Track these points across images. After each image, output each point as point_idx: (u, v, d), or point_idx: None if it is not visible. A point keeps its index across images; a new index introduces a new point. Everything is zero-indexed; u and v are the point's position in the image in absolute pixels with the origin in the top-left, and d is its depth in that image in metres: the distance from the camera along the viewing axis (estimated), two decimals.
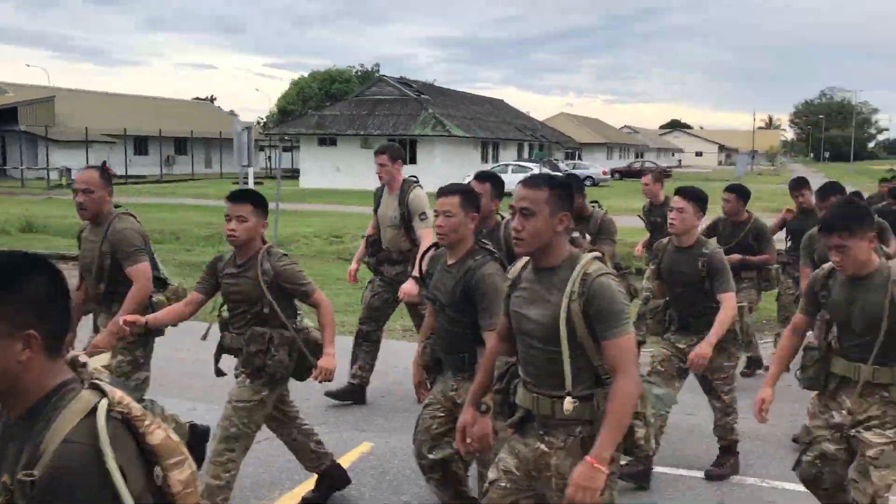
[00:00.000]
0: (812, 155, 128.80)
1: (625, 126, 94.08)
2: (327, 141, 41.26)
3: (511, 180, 37.52)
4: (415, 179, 6.26)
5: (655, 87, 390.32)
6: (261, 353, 4.00)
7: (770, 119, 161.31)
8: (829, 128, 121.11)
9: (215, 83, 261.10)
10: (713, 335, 4.54)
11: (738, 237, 6.93)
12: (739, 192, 7.06)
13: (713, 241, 4.77)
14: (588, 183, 44.82)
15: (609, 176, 48.21)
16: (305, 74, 74.77)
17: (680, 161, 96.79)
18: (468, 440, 3.14)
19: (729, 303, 4.59)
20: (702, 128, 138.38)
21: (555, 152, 52.52)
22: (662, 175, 7.95)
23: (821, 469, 3.56)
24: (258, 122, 75.66)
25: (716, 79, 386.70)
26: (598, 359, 2.71)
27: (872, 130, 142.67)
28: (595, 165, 49.49)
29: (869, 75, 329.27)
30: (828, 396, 3.59)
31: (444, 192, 3.66)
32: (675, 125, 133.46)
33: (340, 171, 40.00)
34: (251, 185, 12.11)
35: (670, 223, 4.75)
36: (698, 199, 4.74)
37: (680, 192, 4.78)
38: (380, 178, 6.29)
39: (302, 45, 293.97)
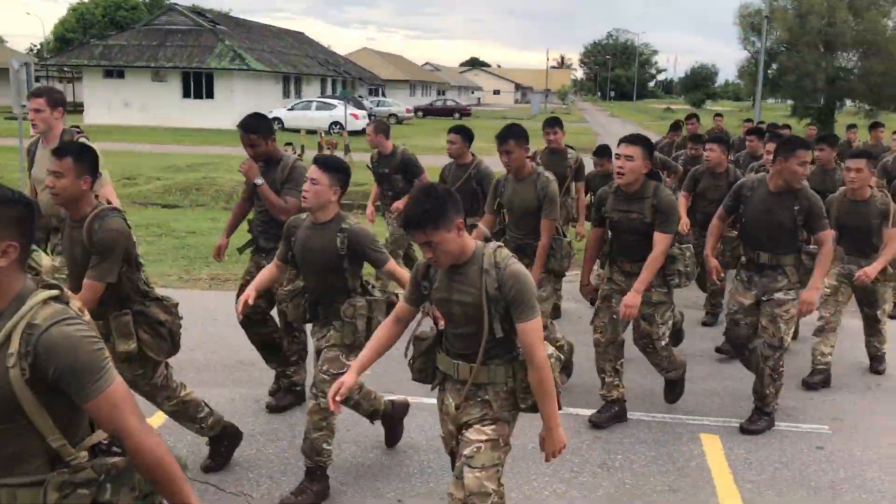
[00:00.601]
0: (599, 94, 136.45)
1: (426, 63, 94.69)
2: (114, 73, 38.38)
3: (315, 117, 36.79)
4: (78, 129, 5.21)
5: (455, 24, 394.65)
6: None
7: (562, 59, 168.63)
8: (615, 68, 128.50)
9: None
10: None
11: (461, 180, 6.67)
12: (464, 134, 6.77)
13: (352, 219, 4.11)
14: (392, 121, 44.99)
15: (413, 114, 48.60)
16: None
17: (479, 99, 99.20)
18: None
19: (398, 269, 4.10)
20: (499, 66, 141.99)
21: (358, 88, 52.07)
22: (384, 124, 7.64)
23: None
24: (31, 51, 68.86)
25: (513, 17, 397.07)
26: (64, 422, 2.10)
27: (653, 71, 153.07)
28: (398, 103, 49.65)
29: (650, 19, 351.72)
30: (441, 393, 3.31)
31: None
32: (474, 63, 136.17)
33: (130, 107, 37.51)
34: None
35: (303, 196, 4.04)
36: (336, 170, 4.02)
37: (316, 161, 4.06)
38: (34, 126, 5.13)
39: None
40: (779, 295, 5.08)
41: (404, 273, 4.09)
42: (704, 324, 7.59)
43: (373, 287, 4.26)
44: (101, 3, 65.94)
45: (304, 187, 4.04)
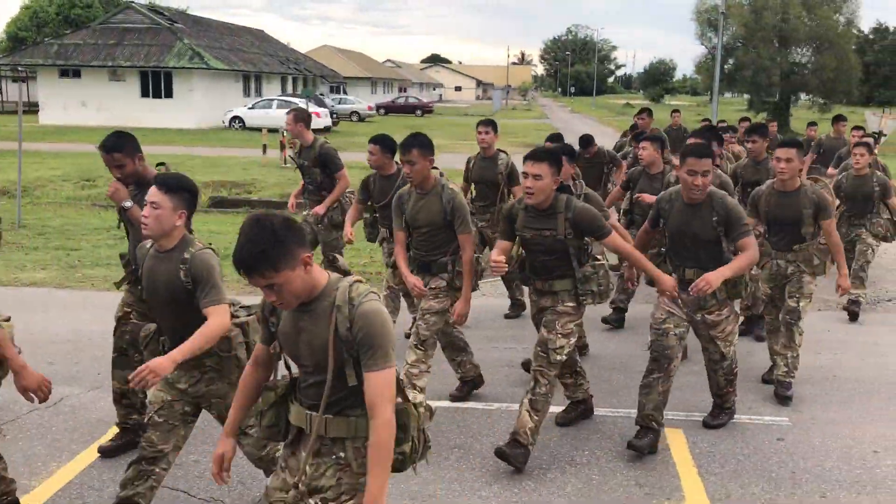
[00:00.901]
0: (560, 90, 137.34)
1: (387, 60, 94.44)
2: (70, 73, 37.74)
3: (277, 116, 36.49)
4: None
5: (417, 20, 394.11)
6: None
7: (522, 55, 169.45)
8: (575, 64, 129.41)
9: None
10: (182, 352, 3.33)
11: (389, 194, 6.00)
12: (384, 144, 6.10)
13: (198, 244, 3.54)
14: (354, 118, 44.80)
15: (375, 111, 48.46)
16: None
17: (441, 96, 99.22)
18: None
19: (216, 318, 3.41)
20: (461, 62, 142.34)
21: (320, 86, 51.79)
22: (304, 113, 7.27)
23: None
24: None
25: (473, 12, 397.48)
26: None
27: (612, 66, 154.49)
28: (360, 100, 49.47)
29: (608, 15, 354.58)
30: (289, 451, 2.85)
31: None
32: (435, 59, 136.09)
33: (87, 107, 36.91)
34: None
35: (143, 224, 3.52)
36: (179, 190, 3.51)
37: (157, 181, 3.54)
38: None
39: None
40: (710, 318, 4.90)
41: (224, 324, 3.43)
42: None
43: (236, 308, 3.69)
44: (55, 0, 64.68)
45: (143, 213, 3.50)
